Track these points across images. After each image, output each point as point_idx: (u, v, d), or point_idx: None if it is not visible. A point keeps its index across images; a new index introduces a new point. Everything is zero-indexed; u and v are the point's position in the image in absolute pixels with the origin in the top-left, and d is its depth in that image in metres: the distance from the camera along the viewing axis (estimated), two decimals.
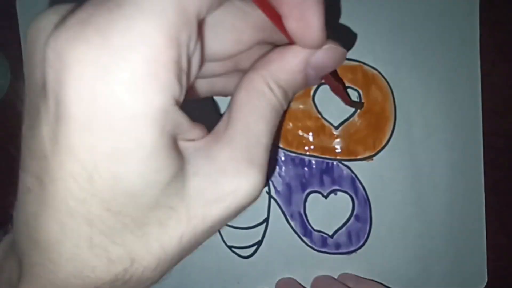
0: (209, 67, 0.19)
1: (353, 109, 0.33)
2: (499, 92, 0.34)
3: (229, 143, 0.17)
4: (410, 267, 0.33)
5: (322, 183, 0.33)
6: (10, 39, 0.34)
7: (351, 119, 0.33)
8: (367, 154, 0.33)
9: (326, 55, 0.18)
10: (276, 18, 0.16)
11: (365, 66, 0.33)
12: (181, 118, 0.15)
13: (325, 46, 0.18)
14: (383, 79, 0.33)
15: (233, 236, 0.33)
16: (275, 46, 0.18)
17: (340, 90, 0.27)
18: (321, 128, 0.33)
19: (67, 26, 0.13)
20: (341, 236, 0.33)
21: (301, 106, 0.33)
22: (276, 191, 0.33)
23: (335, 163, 0.33)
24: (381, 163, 0.33)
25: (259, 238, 0.33)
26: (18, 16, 0.34)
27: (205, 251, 0.33)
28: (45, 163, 0.14)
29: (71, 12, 0.14)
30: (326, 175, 0.33)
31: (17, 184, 0.16)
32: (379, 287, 0.33)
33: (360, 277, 0.33)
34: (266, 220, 0.33)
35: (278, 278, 0.34)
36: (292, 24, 0.16)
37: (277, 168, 0.33)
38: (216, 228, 0.17)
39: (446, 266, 0.33)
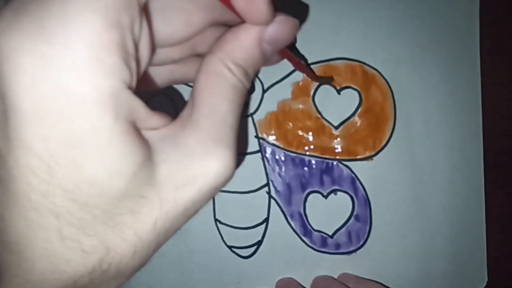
0: (164, 53, 0.19)
1: (353, 109, 0.33)
2: (499, 92, 0.34)
3: (194, 127, 0.17)
4: (410, 267, 0.33)
5: (322, 183, 0.33)
6: None
7: (351, 119, 0.33)
8: (367, 154, 0.33)
9: (278, 28, 0.18)
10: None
11: (365, 66, 0.33)
12: (137, 104, 0.15)
13: (276, 19, 0.18)
14: (383, 79, 0.33)
15: (233, 236, 0.33)
16: (230, 27, 0.18)
17: (302, 66, 0.27)
18: (321, 128, 0.33)
19: (0, 17, 0.13)
20: (341, 236, 0.33)
21: (301, 106, 0.33)
22: (276, 191, 0.33)
23: (335, 163, 0.33)
24: (381, 163, 0.33)
25: (259, 238, 0.33)
26: None
27: (205, 251, 0.33)
28: (1, 161, 0.14)
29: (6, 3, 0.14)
30: (326, 175, 0.33)
31: None
32: (379, 287, 0.33)
33: (360, 277, 0.33)
34: (266, 220, 0.33)
35: (278, 278, 0.34)
36: (238, 2, 0.16)
37: (277, 168, 0.33)
38: (191, 211, 0.17)
39: (446, 266, 0.33)
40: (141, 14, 0.14)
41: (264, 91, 0.33)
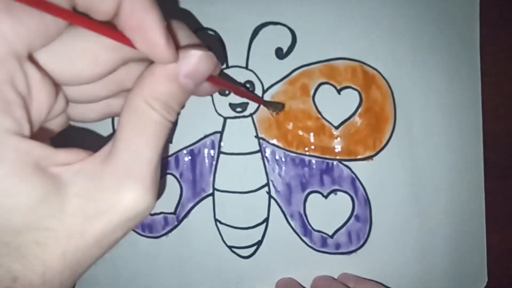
0: (88, 91, 0.20)
1: (353, 109, 0.33)
2: (499, 92, 0.34)
3: (110, 161, 0.18)
4: (410, 267, 0.33)
5: (322, 183, 0.33)
6: None
7: (351, 119, 0.33)
8: (367, 154, 0.33)
9: (190, 63, 0.19)
10: (127, 41, 0.17)
11: (365, 66, 0.33)
12: (33, 146, 0.16)
13: (189, 53, 0.19)
14: (383, 79, 0.33)
15: (233, 236, 0.33)
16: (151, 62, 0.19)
17: (243, 92, 0.28)
18: (321, 128, 0.33)
19: None
20: (341, 236, 0.33)
21: (301, 106, 0.33)
22: (276, 191, 0.33)
23: (335, 163, 0.33)
24: (381, 163, 0.33)
25: (259, 238, 0.33)
26: None
27: (205, 251, 0.33)
28: None
29: None
30: (326, 175, 0.33)
31: None
32: (379, 287, 0.33)
33: (360, 277, 0.33)
34: (266, 220, 0.33)
35: (278, 278, 0.34)
36: (140, 46, 0.17)
37: (277, 168, 0.33)
38: (104, 243, 0.18)
39: (446, 266, 0.33)
40: (21, 67, 0.16)
41: (264, 91, 0.33)
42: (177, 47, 0.19)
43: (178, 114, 0.20)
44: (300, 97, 0.33)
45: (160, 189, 0.29)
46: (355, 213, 0.33)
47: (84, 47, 0.18)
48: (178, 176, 0.33)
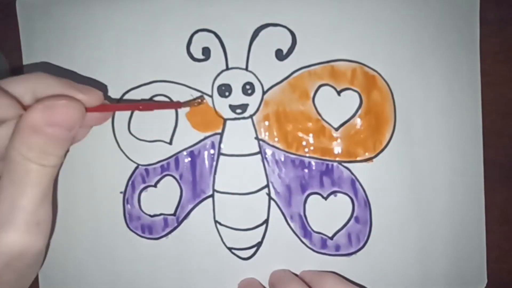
0: None
1: (353, 111, 0.33)
2: (499, 92, 0.34)
3: None
4: (410, 269, 0.33)
5: (322, 185, 0.33)
6: (10, 39, 0.34)
7: (351, 120, 0.33)
8: (367, 156, 0.33)
9: (46, 113, 0.21)
10: None
11: (365, 67, 0.33)
12: None
13: (45, 104, 0.21)
14: (383, 80, 0.33)
15: (233, 238, 0.33)
16: None
17: (149, 106, 0.30)
18: (321, 130, 0.33)
19: None
20: (341, 238, 0.33)
21: (301, 108, 0.33)
22: (276, 192, 0.33)
23: (335, 164, 0.33)
24: (381, 164, 0.33)
25: (259, 240, 0.33)
26: (18, 16, 0.34)
27: (205, 253, 0.34)
28: None
29: None
30: (326, 177, 0.33)
31: None
32: (335, 277, 0.32)
33: (317, 271, 0.33)
34: (266, 221, 0.33)
35: None
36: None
37: (277, 170, 0.33)
38: None
39: (446, 267, 0.33)
40: None
41: (264, 93, 0.33)
42: (38, 99, 0.22)
43: (67, 152, 0.23)
44: (300, 98, 0.33)
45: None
46: (355, 214, 0.33)
47: None
48: (178, 177, 0.33)
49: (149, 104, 0.32)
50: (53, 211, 0.25)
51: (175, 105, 0.33)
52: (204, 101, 0.33)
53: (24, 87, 0.23)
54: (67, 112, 0.22)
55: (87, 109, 0.25)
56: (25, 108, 0.22)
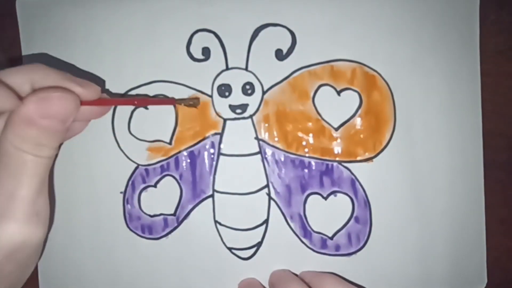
0: None
1: (353, 111, 0.33)
2: (499, 92, 0.34)
3: None
4: (410, 269, 0.33)
5: (322, 185, 0.33)
6: (10, 39, 0.34)
7: (351, 120, 0.33)
8: (367, 156, 0.33)
9: (41, 105, 0.22)
10: None
11: (365, 67, 0.33)
12: None
13: (38, 96, 0.21)
14: (383, 80, 0.33)
15: (233, 238, 0.33)
16: None
17: (144, 101, 0.30)
18: (321, 130, 0.33)
19: None
20: (341, 238, 0.33)
21: (301, 108, 0.33)
22: (276, 192, 0.33)
23: (335, 164, 0.33)
24: (381, 164, 0.33)
25: (259, 240, 0.33)
26: (17, 16, 0.34)
27: (205, 253, 0.34)
28: None
29: None
30: (326, 177, 0.33)
31: None
32: (335, 278, 0.32)
33: (317, 272, 0.33)
34: (266, 221, 0.33)
35: None
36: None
37: (277, 170, 0.33)
38: None
39: (446, 267, 0.33)
40: None
41: (264, 93, 0.33)
42: (35, 89, 0.22)
43: (61, 144, 0.23)
44: (300, 98, 0.33)
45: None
46: (355, 214, 0.33)
47: None
48: (178, 177, 0.33)
49: (144, 100, 0.32)
50: (51, 203, 0.25)
51: (169, 101, 0.33)
52: (198, 106, 0.33)
53: (22, 78, 0.23)
54: (61, 104, 0.22)
55: (82, 102, 0.25)
56: (21, 99, 0.22)
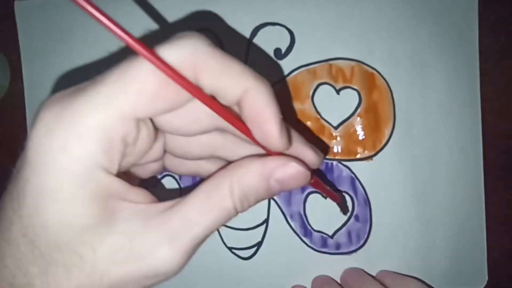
0: (185, 147, 0.22)
1: (352, 110, 0.33)
2: (499, 92, 0.34)
3: (165, 219, 0.19)
4: (410, 267, 0.33)
5: None
6: (10, 40, 0.35)
7: (351, 119, 0.33)
8: (366, 154, 0.33)
9: (288, 172, 0.20)
10: (247, 131, 0.19)
11: (364, 66, 0.33)
12: (111, 182, 0.18)
13: (290, 164, 0.20)
14: (382, 78, 0.33)
15: (233, 237, 0.33)
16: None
17: (328, 191, 0.28)
18: (320, 129, 0.33)
19: (52, 97, 0.18)
20: (341, 237, 0.33)
21: (300, 107, 0.33)
22: None
23: (334, 163, 0.33)
24: (381, 163, 0.33)
25: (259, 239, 0.33)
26: (16, 17, 0.34)
27: (205, 253, 0.33)
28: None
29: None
30: (325, 175, 0.33)
31: None
32: (417, 283, 0.32)
33: (398, 273, 0.33)
34: (266, 221, 0.33)
35: (279, 279, 0.33)
36: (256, 135, 0.19)
37: None
38: None
39: (446, 266, 0.33)
40: (137, 126, 0.18)
41: None
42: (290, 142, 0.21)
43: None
44: (299, 97, 0.33)
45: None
46: (355, 213, 0.33)
47: (191, 107, 0.19)
48: (178, 177, 0.33)
49: (329, 193, 0.30)
50: None
51: (336, 199, 0.31)
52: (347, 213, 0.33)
53: (185, 63, 0.20)
54: (299, 181, 0.21)
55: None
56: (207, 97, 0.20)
